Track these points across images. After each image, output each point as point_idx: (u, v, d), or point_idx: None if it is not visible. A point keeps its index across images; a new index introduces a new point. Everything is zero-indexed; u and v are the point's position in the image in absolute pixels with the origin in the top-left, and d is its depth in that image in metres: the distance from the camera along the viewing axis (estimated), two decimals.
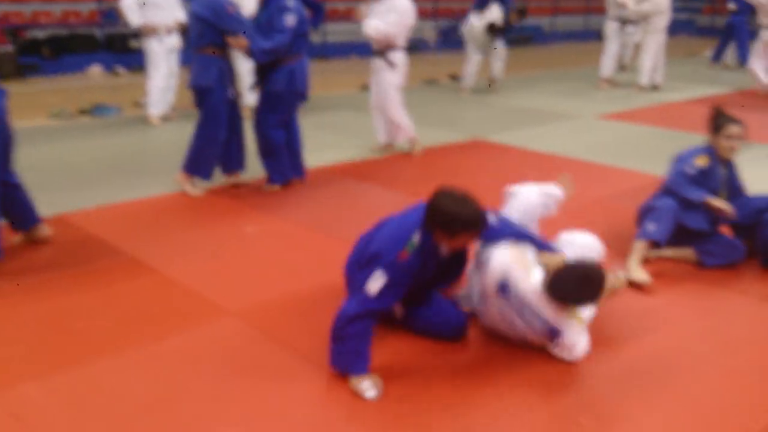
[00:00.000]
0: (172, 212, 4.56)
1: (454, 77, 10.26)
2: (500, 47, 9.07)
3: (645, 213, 3.83)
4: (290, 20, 4.64)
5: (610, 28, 10.01)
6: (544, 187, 3.34)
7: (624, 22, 9.99)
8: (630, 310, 3.29)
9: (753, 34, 10.16)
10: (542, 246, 2.98)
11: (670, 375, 2.79)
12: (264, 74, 4.82)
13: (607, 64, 10.02)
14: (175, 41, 7.08)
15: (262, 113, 4.89)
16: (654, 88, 9.81)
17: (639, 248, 3.68)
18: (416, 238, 2.64)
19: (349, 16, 10.61)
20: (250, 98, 6.24)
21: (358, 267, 2.81)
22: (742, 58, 11.81)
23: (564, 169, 5.65)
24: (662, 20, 9.51)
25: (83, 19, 11.90)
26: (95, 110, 7.58)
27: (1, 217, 3.76)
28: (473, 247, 3.03)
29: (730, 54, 12.51)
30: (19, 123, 4.08)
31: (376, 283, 2.58)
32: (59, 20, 11.64)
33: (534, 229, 3.24)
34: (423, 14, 15.52)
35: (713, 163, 3.79)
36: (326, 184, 5.18)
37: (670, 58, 10.97)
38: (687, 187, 3.70)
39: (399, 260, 2.60)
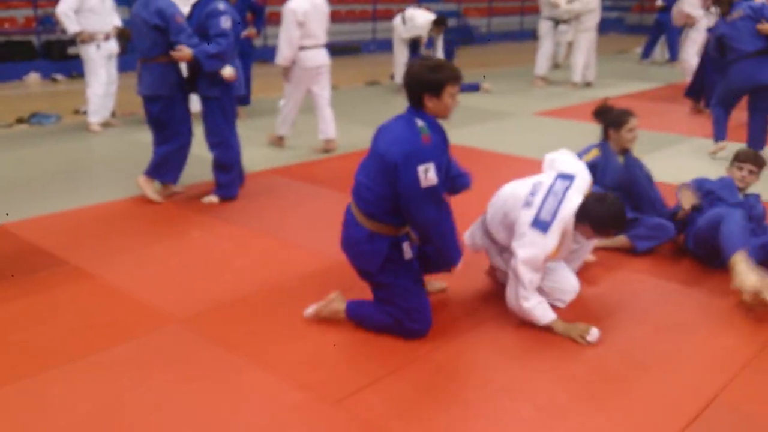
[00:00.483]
0: (115, 220, 4.56)
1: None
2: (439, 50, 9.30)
3: None
4: (227, 23, 4.61)
5: (544, 27, 10.37)
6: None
7: (557, 21, 10.35)
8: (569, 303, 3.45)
9: (680, 30, 10.61)
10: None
11: (601, 362, 2.96)
12: (197, 81, 4.76)
13: (542, 63, 10.38)
14: (113, 47, 7.05)
15: (215, 123, 4.82)
16: (587, 84, 10.20)
17: None
18: (420, 122, 2.81)
19: None
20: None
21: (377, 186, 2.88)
22: (672, 54, 12.29)
23: (504, 164, 5.90)
24: (592, 19, 9.91)
25: (19, 26, 11.65)
26: (33, 118, 7.47)
27: None
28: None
29: (659, 50, 13.01)
30: None
31: (429, 173, 2.72)
32: None
33: None
34: (364, 17, 15.89)
35: (604, 156, 4.01)
36: (270, 188, 5.26)
37: (602, 56, 11.39)
38: None
39: (427, 144, 2.76)
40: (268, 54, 13.01)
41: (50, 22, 11.40)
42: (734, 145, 6.33)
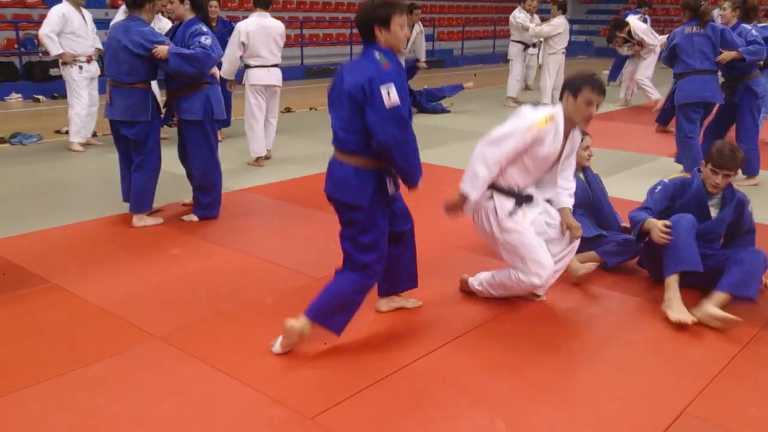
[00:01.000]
0: (96, 238, 4.59)
1: None
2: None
3: None
4: (207, 41, 4.64)
5: (514, 50, 10.68)
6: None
7: (526, 45, 10.63)
8: (537, 317, 3.55)
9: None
10: None
11: (573, 377, 3.04)
12: (179, 105, 4.79)
13: (513, 85, 10.70)
14: (94, 69, 7.13)
15: (197, 147, 4.86)
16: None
17: None
18: (377, 54, 2.92)
19: None
20: None
21: (352, 115, 2.95)
22: (612, 77, 12.86)
23: None
24: (560, 42, 10.21)
25: (1, 47, 11.69)
26: (14, 138, 7.50)
27: None
28: None
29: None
30: None
31: (391, 93, 2.83)
32: None
33: None
34: (341, 39, 16.07)
35: None
36: (249, 207, 5.33)
37: None
38: None
39: (387, 69, 2.87)
40: None
41: (32, 44, 11.47)
42: None
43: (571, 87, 3.37)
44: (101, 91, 7.31)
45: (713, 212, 3.77)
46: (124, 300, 3.63)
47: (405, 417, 2.67)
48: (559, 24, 10.07)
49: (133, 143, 4.73)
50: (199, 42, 4.62)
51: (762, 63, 6.04)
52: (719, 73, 6.02)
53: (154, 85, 5.90)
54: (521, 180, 3.44)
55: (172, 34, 4.83)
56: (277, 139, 6.74)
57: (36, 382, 2.83)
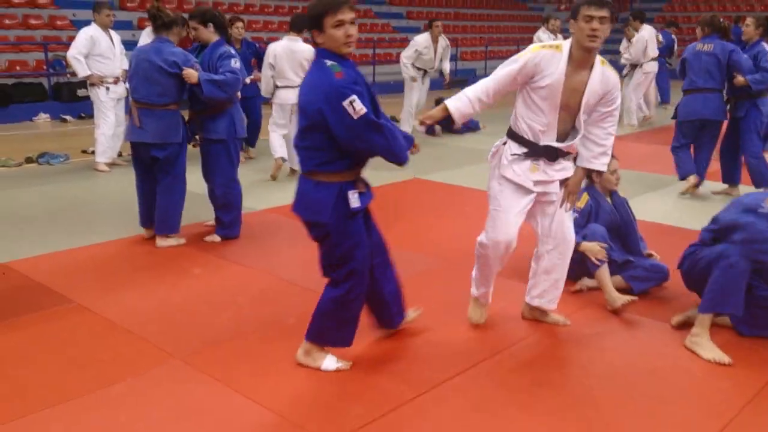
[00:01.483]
0: (119, 258, 4.63)
1: (394, 119, 10.67)
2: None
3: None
4: (236, 64, 4.73)
5: None
6: None
7: None
8: (564, 341, 3.50)
9: (672, 73, 10.86)
10: None
11: (604, 403, 2.97)
12: (203, 124, 4.84)
13: None
14: (121, 90, 7.24)
15: (220, 165, 4.88)
16: None
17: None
18: (328, 62, 2.75)
19: None
20: None
21: (307, 134, 2.85)
22: (663, 97, 12.50)
23: None
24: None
25: (31, 68, 11.94)
26: (42, 158, 7.62)
27: None
28: None
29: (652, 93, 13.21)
30: None
31: (355, 105, 2.68)
32: (5, 69, 11.67)
33: None
34: (364, 60, 16.21)
35: (595, 199, 4.07)
36: (270, 227, 5.34)
37: None
38: None
39: (341, 78, 2.70)
40: None
41: (60, 65, 11.70)
42: (713, 184, 6.44)
43: (572, 12, 3.15)
44: (127, 112, 7.45)
45: None
46: (147, 320, 3.64)
47: None
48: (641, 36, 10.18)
49: (162, 165, 4.75)
50: (229, 66, 4.69)
51: None
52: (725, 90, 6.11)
53: None
54: (535, 123, 3.21)
55: (196, 54, 4.89)
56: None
57: (58, 402, 2.85)
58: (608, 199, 4.14)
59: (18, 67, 11.81)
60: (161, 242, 4.82)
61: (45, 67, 11.75)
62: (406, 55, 9.19)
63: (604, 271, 3.80)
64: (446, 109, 3.24)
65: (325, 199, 2.86)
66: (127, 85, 5.52)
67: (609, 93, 3.18)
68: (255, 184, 6.55)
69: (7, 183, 6.70)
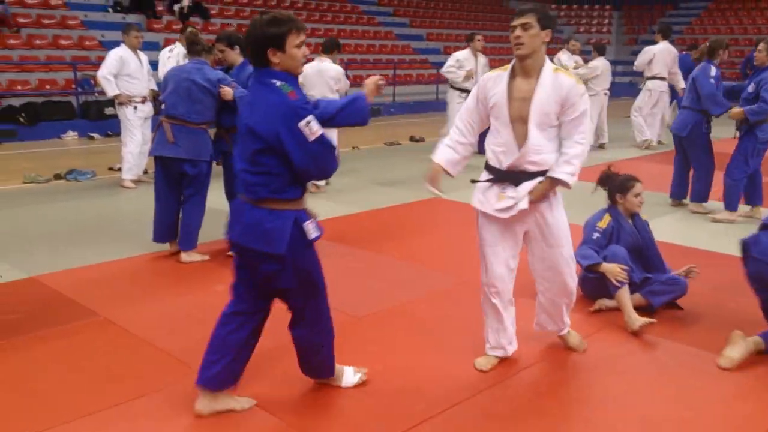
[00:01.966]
0: (144, 273, 4.73)
1: (415, 139, 10.80)
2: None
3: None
4: None
5: None
6: None
7: None
8: (582, 362, 3.50)
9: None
10: None
11: (623, 427, 2.98)
12: (232, 140, 4.94)
13: None
14: (148, 110, 7.41)
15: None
16: (600, 146, 10.44)
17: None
18: (278, 82, 2.66)
19: None
20: None
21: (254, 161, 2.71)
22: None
23: None
24: (600, 84, 10.34)
25: (60, 87, 12.22)
26: (70, 174, 7.80)
27: None
28: None
29: (672, 112, 13.18)
30: None
31: (311, 125, 2.61)
32: (36, 88, 11.95)
33: None
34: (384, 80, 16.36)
35: (617, 221, 4.10)
36: None
37: (614, 119, 11.59)
38: (582, 255, 3.96)
39: (295, 99, 2.63)
40: None
41: (89, 85, 11.96)
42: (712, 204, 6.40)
43: None
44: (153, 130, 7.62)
45: None
46: (170, 334, 3.71)
47: None
48: (596, 66, 10.19)
49: (192, 181, 4.87)
50: None
51: None
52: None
53: None
54: (495, 145, 3.22)
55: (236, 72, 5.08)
56: (335, 177, 6.85)
57: (81, 415, 2.90)
58: (629, 221, 4.17)
59: (48, 86, 12.09)
60: (186, 257, 4.92)
61: (74, 86, 12.03)
62: (448, 65, 9.15)
63: (624, 292, 3.82)
64: (438, 164, 3.33)
65: (280, 228, 2.69)
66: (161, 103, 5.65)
67: (566, 100, 3.07)
68: None
69: (36, 198, 6.86)
